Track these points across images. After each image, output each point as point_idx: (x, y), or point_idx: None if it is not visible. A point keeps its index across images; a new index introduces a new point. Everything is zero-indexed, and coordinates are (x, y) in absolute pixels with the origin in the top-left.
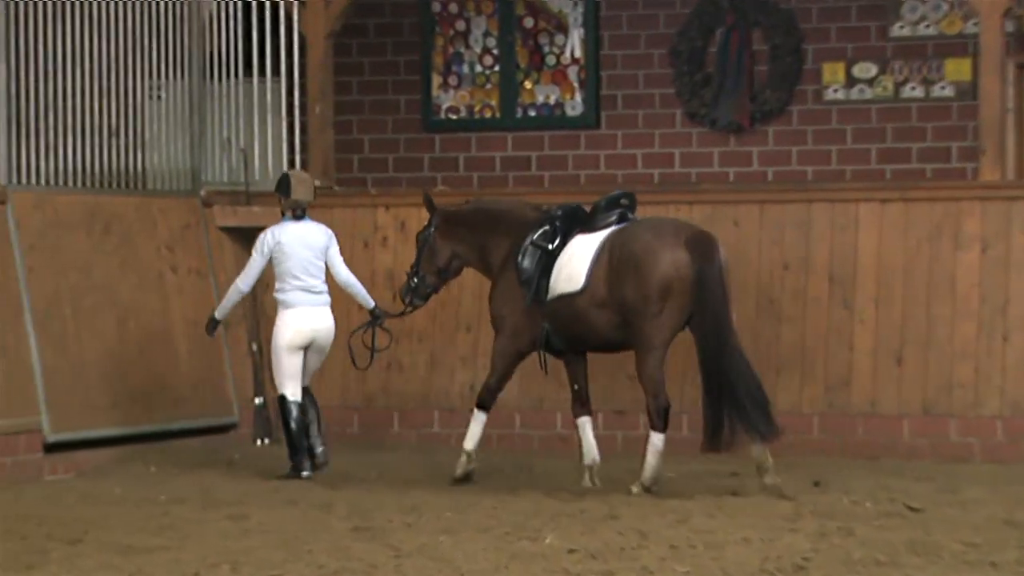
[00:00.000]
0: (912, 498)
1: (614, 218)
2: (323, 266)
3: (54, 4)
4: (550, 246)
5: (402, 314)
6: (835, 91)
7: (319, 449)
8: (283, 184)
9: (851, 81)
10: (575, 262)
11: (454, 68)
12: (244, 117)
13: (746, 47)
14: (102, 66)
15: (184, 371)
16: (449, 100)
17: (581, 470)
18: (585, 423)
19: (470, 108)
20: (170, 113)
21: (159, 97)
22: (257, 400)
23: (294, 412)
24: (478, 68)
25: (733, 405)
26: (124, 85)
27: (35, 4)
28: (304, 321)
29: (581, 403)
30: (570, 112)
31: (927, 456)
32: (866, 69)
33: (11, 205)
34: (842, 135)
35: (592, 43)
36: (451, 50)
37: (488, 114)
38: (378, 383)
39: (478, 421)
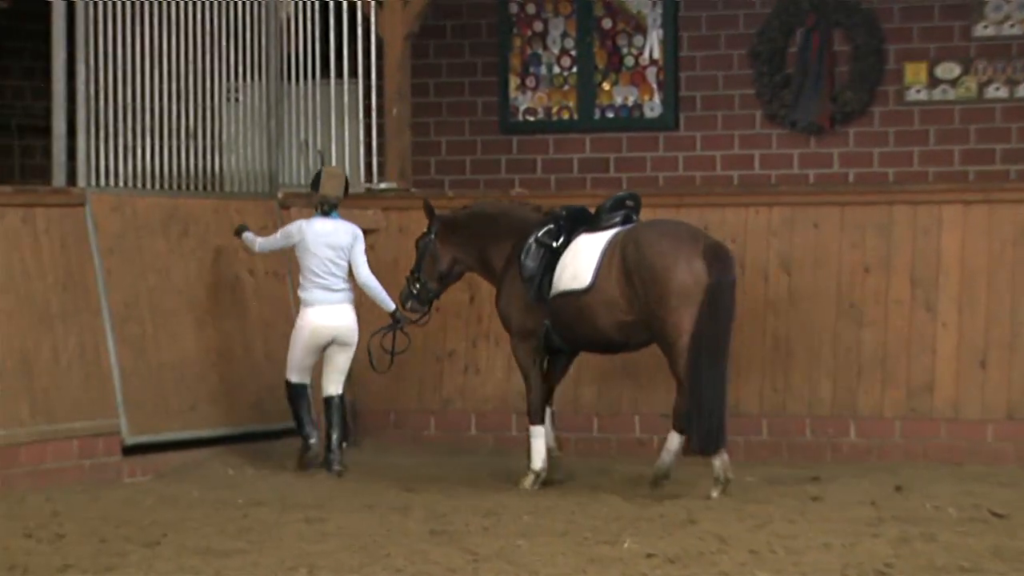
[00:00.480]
0: (996, 504)
1: (618, 219)
2: (345, 265)
3: (132, 5)
4: (554, 244)
5: (419, 320)
6: (917, 92)
7: (336, 467)
8: (314, 179)
9: (934, 81)
10: (580, 260)
11: (532, 69)
12: (321, 119)
13: (827, 47)
14: (180, 68)
15: (261, 374)
16: (527, 102)
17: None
18: (539, 432)
19: (548, 110)
20: (248, 115)
21: (236, 99)
22: None
23: (297, 391)
24: (556, 69)
25: (716, 410)
26: (201, 87)
27: (113, 5)
28: (323, 319)
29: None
30: (648, 113)
31: (1011, 461)
32: (949, 69)
33: (89, 207)
34: (924, 136)
35: (671, 44)
36: (529, 51)
37: (566, 116)
38: (455, 386)
39: (537, 436)
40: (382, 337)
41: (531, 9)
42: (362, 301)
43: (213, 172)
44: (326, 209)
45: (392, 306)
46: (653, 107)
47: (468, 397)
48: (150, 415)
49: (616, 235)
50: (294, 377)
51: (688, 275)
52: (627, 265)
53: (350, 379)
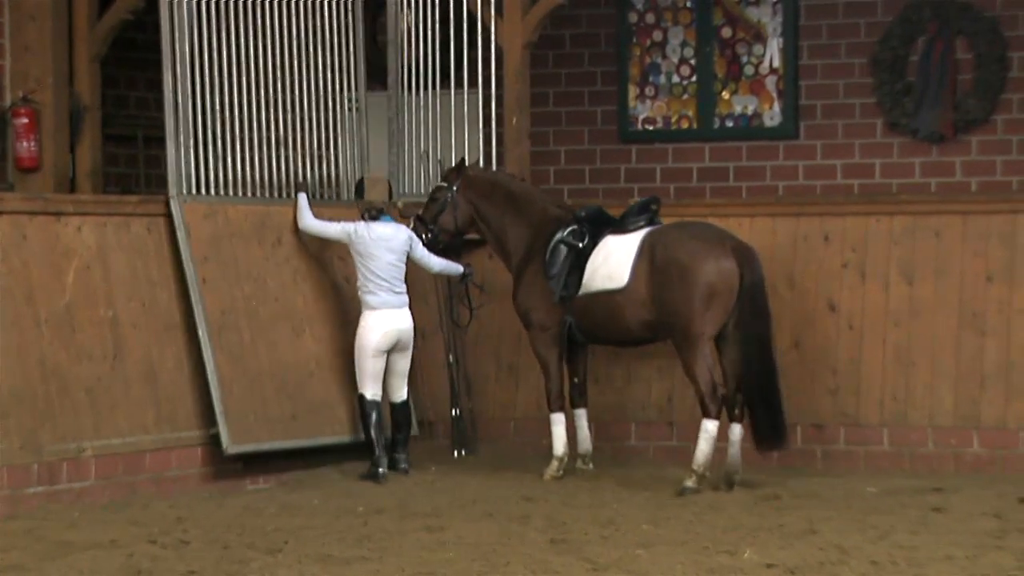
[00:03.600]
0: None
1: (644, 221)
2: (404, 268)
3: (226, 11)
4: (580, 244)
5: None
6: None
7: (403, 465)
8: (359, 187)
9: None
10: (615, 261)
11: (651, 79)
12: (441, 128)
13: (949, 55)
14: (290, 75)
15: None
16: (646, 111)
17: (574, 457)
18: (581, 414)
19: (667, 119)
20: (368, 124)
21: (357, 108)
22: (454, 411)
23: (373, 412)
24: (675, 79)
25: (779, 406)
26: (324, 95)
27: (206, 10)
28: (389, 323)
29: (580, 394)
30: (768, 122)
31: None
32: None
33: (180, 213)
34: None
35: (791, 52)
36: (648, 61)
37: (685, 125)
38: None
39: (557, 423)
40: (459, 296)
41: (650, 19)
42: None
43: (338, 180)
44: (374, 214)
45: (461, 268)
46: (773, 116)
47: (587, 406)
48: (250, 425)
49: (646, 236)
50: (368, 391)
51: (715, 275)
52: (655, 264)
53: (469, 389)
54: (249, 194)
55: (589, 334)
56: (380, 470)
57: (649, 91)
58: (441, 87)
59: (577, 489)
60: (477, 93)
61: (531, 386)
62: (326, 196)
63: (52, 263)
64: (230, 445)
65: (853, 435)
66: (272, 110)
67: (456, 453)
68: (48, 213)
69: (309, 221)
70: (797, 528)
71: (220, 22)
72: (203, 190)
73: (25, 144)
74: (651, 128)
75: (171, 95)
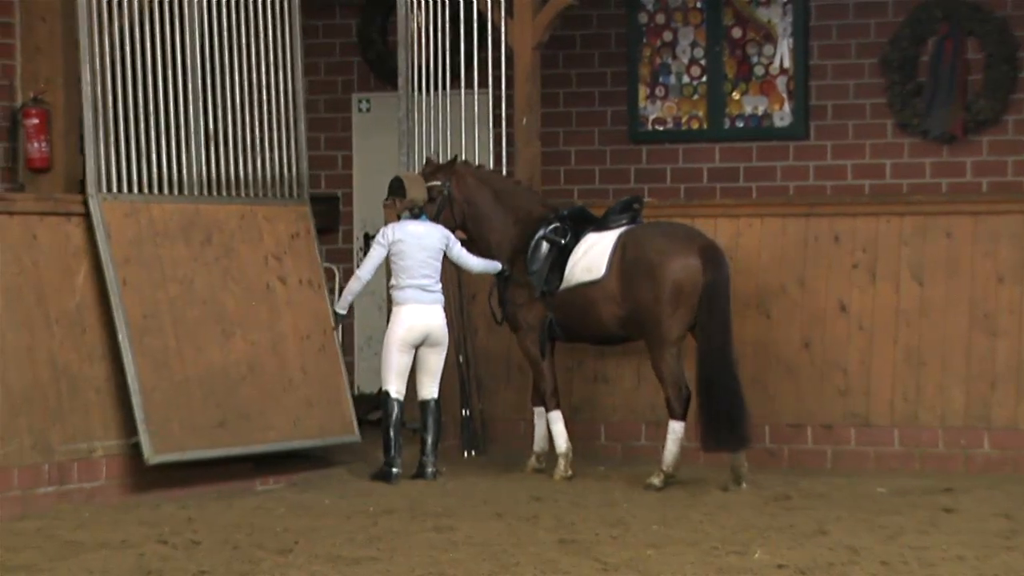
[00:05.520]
0: None
1: (625, 220)
2: (438, 266)
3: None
4: (562, 241)
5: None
6: None
7: (430, 469)
8: (397, 187)
9: None
10: (594, 254)
11: (661, 79)
12: (451, 128)
13: (960, 56)
14: (221, 69)
15: (297, 388)
16: (656, 111)
17: (528, 455)
18: (541, 412)
19: (677, 119)
20: (375, 124)
21: (369, 109)
22: (464, 412)
23: (395, 410)
24: (685, 79)
25: (728, 407)
26: (259, 89)
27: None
28: (417, 318)
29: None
30: (779, 123)
31: None
32: None
33: (100, 213)
34: None
35: (801, 53)
36: (658, 61)
37: (695, 125)
38: (585, 395)
39: (556, 421)
40: (491, 295)
41: (661, 19)
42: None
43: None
44: (416, 212)
45: (499, 266)
46: (783, 116)
47: (597, 407)
48: (174, 433)
49: (623, 233)
50: (392, 388)
51: (681, 272)
52: (626, 260)
53: (480, 389)
54: (177, 192)
55: (568, 330)
56: (394, 470)
57: (659, 91)
58: (451, 87)
59: (586, 489)
60: (487, 93)
61: None
62: (260, 194)
63: (63, 263)
64: (152, 455)
65: (863, 435)
66: (202, 105)
67: (466, 454)
68: (59, 214)
69: (364, 277)
70: (807, 528)
71: (144, 14)
72: (125, 188)
73: (36, 145)
74: (661, 128)
75: (89, 90)
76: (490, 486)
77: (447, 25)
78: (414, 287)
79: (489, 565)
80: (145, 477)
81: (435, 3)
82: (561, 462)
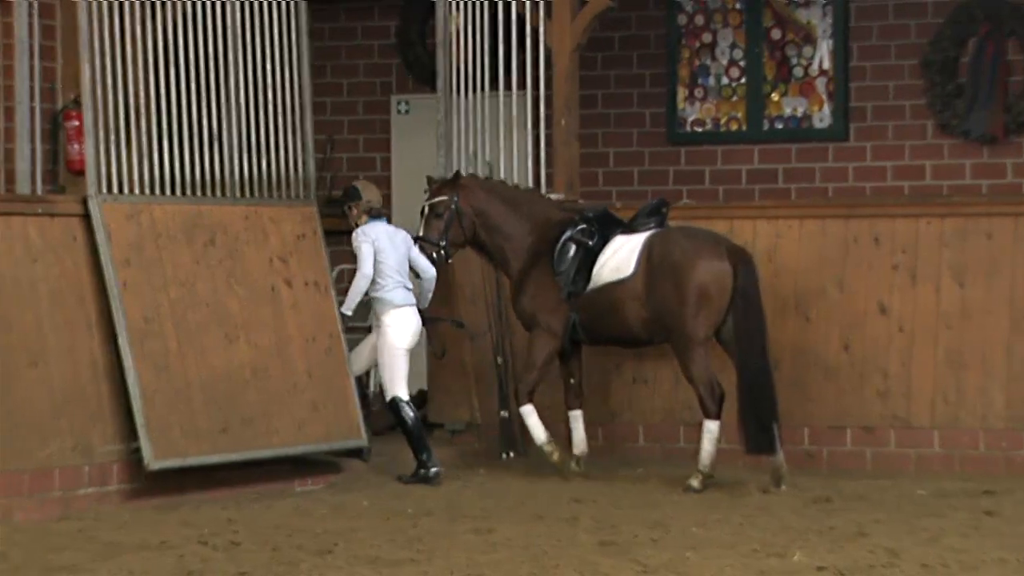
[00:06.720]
0: None
1: (653, 223)
2: (408, 266)
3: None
4: (590, 243)
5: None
6: None
7: (434, 470)
8: (353, 192)
9: None
10: (622, 254)
11: (700, 81)
12: (490, 130)
13: (1000, 57)
14: (225, 67)
15: (302, 392)
16: (695, 113)
17: (571, 457)
18: (577, 416)
19: (716, 121)
20: (418, 126)
21: (407, 112)
22: (502, 413)
23: (411, 411)
24: (724, 80)
25: (761, 409)
26: (264, 88)
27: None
28: (413, 320)
29: (575, 395)
30: (818, 124)
31: None
32: None
33: (100, 214)
34: None
35: (841, 54)
36: (697, 62)
37: (734, 127)
38: (623, 397)
39: (531, 415)
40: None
41: (700, 20)
42: None
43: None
44: (375, 214)
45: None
46: (823, 118)
47: (635, 408)
48: (176, 438)
49: (650, 236)
50: (402, 391)
51: (707, 275)
52: (652, 262)
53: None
54: (179, 193)
55: (591, 332)
56: (434, 469)
57: (698, 93)
58: (490, 89)
59: (626, 491)
60: (526, 95)
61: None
62: (266, 195)
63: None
64: (152, 461)
65: (904, 437)
66: (206, 104)
67: (504, 455)
68: None
69: (368, 272)
70: (847, 531)
71: (145, 12)
72: (125, 189)
73: (76, 147)
74: (700, 130)
75: (89, 89)
76: (529, 487)
77: (486, 27)
78: (400, 287)
79: (529, 567)
80: (185, 479)
81: (474, 5)
82: (547, 449)
